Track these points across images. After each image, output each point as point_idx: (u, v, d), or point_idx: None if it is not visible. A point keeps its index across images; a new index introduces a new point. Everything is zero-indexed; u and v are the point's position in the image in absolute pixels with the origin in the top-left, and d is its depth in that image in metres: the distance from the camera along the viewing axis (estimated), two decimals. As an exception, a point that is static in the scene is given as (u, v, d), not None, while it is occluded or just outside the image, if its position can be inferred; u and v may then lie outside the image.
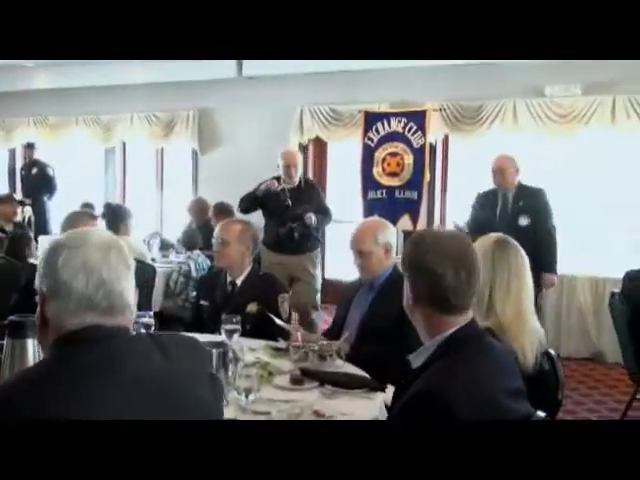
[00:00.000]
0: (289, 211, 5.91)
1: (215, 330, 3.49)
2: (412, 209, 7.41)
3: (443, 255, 1.92)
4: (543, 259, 5.29)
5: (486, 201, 5.75)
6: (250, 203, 6.11)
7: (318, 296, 6.21)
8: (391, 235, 3.66)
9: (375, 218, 4.28)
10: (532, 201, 5.61)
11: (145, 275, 5.41)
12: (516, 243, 2.76)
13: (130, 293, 1.57)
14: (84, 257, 1.53)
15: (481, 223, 5.48)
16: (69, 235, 1.62)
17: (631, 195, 7.00)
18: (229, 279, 4.02)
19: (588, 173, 7.06)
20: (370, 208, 7.44)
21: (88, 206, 7.74)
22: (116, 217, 5.98)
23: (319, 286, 6.23)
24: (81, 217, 4.32)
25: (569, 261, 6.84)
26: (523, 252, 2.73)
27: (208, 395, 1.62)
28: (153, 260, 6.38)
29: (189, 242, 6.49)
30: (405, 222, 7.34)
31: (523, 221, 5.54)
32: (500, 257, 2.64)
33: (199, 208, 7.40)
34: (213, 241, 4.09)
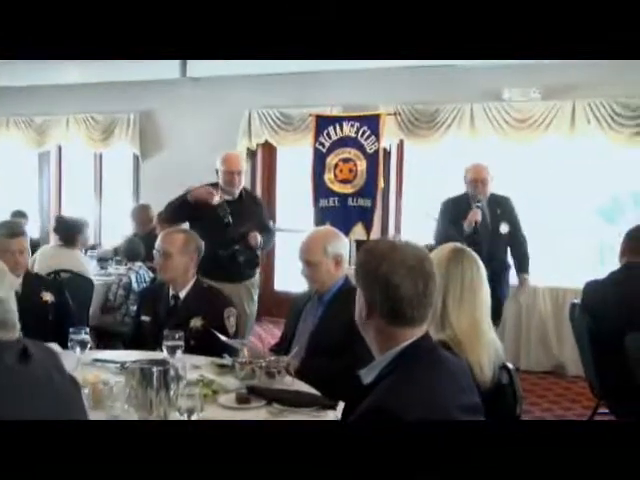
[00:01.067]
0: (230, 230, 5.06)
1: (156, 347, 3.46)
2: (365, 217, 7.42)
3: (399, 264, 1.92)
4: (522, 262, 6.09)
5: (459, 209, 5.83)
6: (179, 210, 5.21)
7: (250, 337, 5.54)
8: (342, 246, 3.65)
9: (326, 227, 4.27)
10: (506, 208, 5.99)
11: (81, 289, 5.35)
12: (473, 254, 2.77)
13: (16, 313, 1.85)
14: None
15: (459, 231, 5.66)
16: None
17: (591, 203, 7.13)
18: (172, 292, 3.97)
19: (547, 180, 7.17)
20: (322, 216, 7.43)
21: (20, 214, 7.63)
22: (72, 229, 5.92)
23: (252, 323, 5.60)
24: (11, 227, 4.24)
25: (529, 271, 6.94)
26: (480, 263, 2.75)
27: (76, 393, 1.95)
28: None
29: (131, 253, 6.39)
30: (358, 231, 7.37)
31: (504, 228, 5.90)
32: (454, 267, 2.65)
33: (143, 215, 7.26)
34: (154, 252, 4.03)
